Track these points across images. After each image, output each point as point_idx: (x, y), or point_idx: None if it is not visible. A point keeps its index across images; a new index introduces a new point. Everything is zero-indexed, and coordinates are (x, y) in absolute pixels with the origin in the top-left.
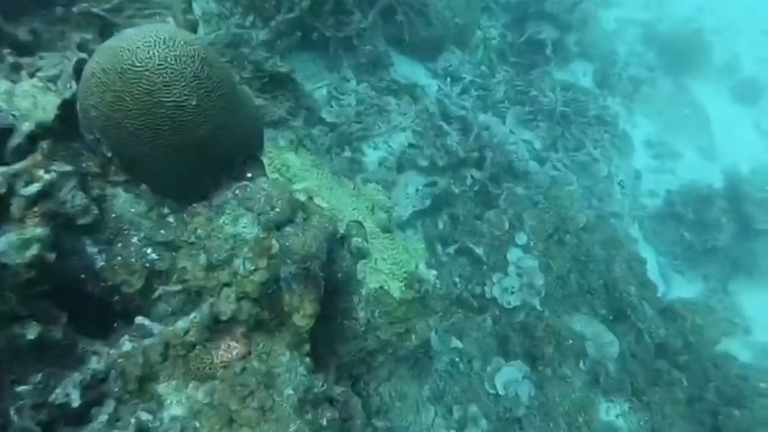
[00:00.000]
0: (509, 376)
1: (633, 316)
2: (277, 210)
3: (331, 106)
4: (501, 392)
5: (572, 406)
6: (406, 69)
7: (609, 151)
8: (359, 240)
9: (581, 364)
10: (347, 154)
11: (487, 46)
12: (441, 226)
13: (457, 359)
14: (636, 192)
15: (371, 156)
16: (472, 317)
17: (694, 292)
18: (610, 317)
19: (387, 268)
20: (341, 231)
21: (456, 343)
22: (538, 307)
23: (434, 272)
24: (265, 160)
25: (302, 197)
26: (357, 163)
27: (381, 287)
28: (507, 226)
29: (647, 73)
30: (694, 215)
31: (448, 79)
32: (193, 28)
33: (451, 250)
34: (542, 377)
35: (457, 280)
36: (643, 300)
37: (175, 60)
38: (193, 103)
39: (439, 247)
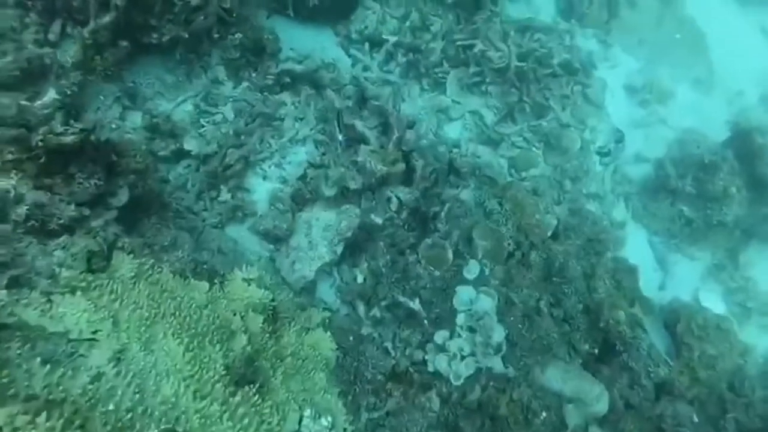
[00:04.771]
0: None
1: (625, 354)
2: None
3: (202, 126)
4: None
5: None
6: (305, 42)
7: (582, 110)
8: None
9: None
10: (224, 197)
11: None
12: (360, 278)
13: None
14: (619, 160)
15: (260, 191)
16: (413, 397)
17: (700, 270)
18: (595, 350)
19: None
20: None
21: None
22: (500, 369)
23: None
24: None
25: None
26: (239, 209)
27: None
28: (451, 257)
29: None
30: (695, 187)
31: (366, 45)
32: None
33: (377, 311)
34: None
35: (389, 346)
36: (636, 327)
37: None
38: None
39: (361, 309)
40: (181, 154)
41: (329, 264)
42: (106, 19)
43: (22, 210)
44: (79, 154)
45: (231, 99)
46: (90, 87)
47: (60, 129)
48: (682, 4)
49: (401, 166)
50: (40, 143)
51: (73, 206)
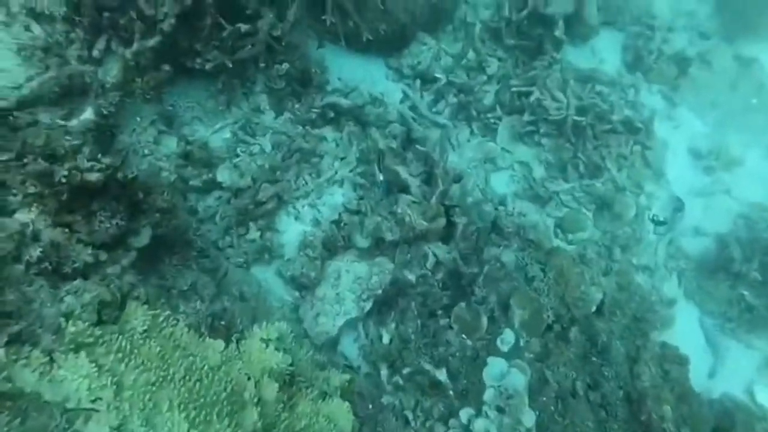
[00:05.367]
0: None
1: None
2: None
3: (237, 156)
4: None
5: None
6: (355, 72)
7: (639, 173)
8: None
9: None
10: (253, 235)
11: (471, 26)
12: (386, 338)
13: None
14: (675, 231)
15: (290, 233)
16: None
17: (757, 360)
18: None
19: None
20: None
21: None
22: None
23: None
24: None
25: None
26: (267, 250)
27: None
28: (485, 324)
29: (699, 43)
30: (762, 273)
31: (417, 82)
32: None
33: (399, 378)
34: None
35: (410, 415)
36: (683, 427)
37: None
38: None
39: (384, 373)
40: (212, 185)
41: (355, 320)
42: (151, 42)
43: (35, 251)
44: (103, 191)
45: (270, 130)
46: (128, 108)
47: (86, 165)
48: (763, 67)
49: (442, 222)
50: (63, 179)
51: (89, 250)
